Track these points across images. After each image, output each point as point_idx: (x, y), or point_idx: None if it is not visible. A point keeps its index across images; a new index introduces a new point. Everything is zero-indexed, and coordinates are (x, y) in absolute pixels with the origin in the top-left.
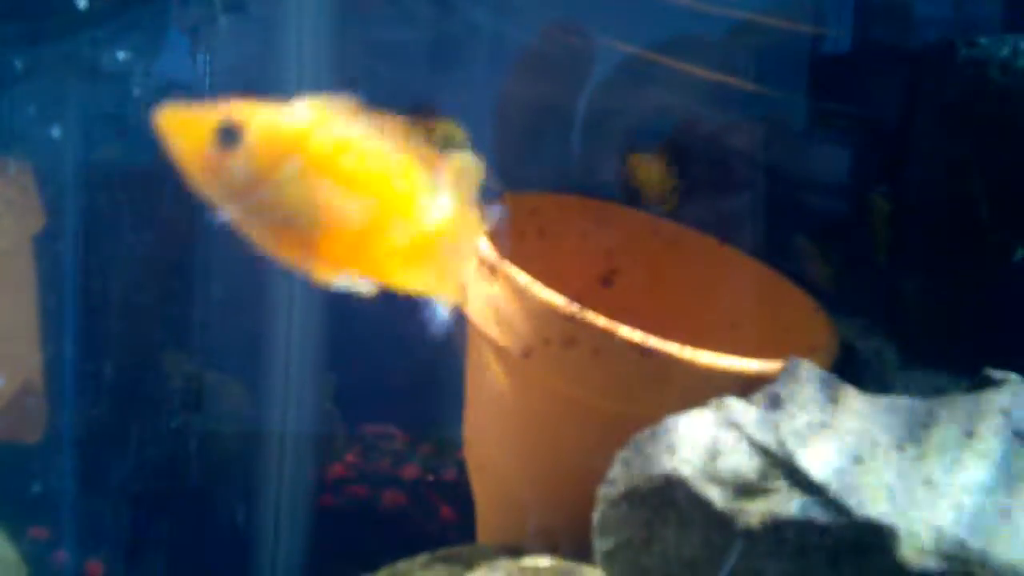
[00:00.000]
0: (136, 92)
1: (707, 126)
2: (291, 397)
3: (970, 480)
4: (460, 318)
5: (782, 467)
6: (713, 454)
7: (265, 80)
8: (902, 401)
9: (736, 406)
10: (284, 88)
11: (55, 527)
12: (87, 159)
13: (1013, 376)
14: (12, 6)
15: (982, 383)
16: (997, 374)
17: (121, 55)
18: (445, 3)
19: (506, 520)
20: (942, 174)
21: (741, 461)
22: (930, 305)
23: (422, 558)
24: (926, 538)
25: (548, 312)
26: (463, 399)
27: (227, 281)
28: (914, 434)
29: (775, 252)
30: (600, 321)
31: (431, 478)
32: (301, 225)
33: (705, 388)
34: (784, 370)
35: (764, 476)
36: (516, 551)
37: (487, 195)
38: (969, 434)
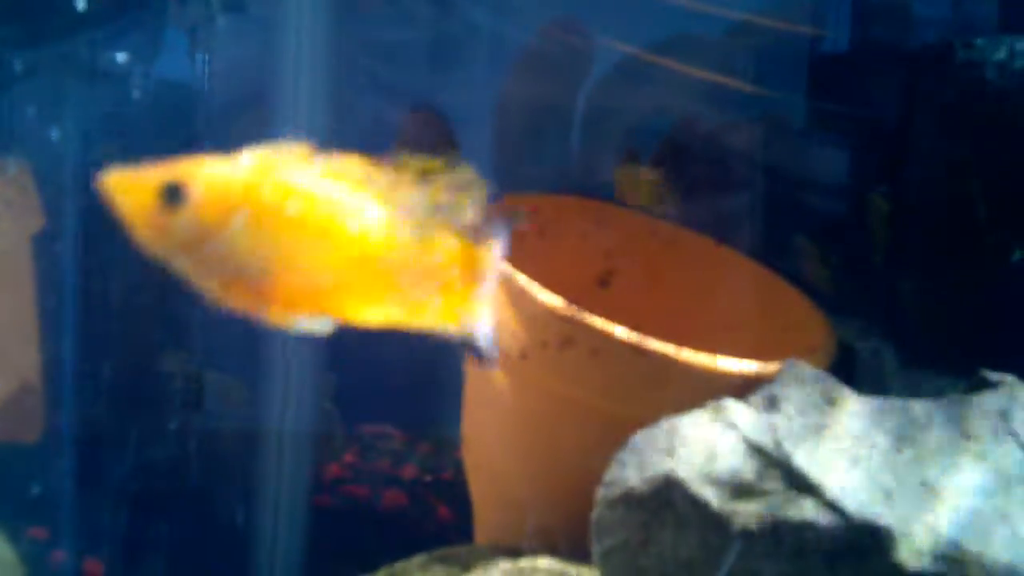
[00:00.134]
0: (135, 92)
1: (706, 126)
2: (290, 397)
3: (967, 482)
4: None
5: (779, 468)
6: (710, 455)
7: (264, 80)
8: (899, 403)
9: (733, 407)
10: (283, 88)
11: (53, 527)
12: (86, 159)
13: (1010, 378)
14: (11, 7)
15: (979, 385)
16: (994, 376)
17: (120, 56)
18: (444, 3)
19: (504, 520)
20: (940, 175)
21: (738, 462)
22: (928, 306)
23: (420, 558)
24: (923, 540)
25: (546, 313)
26: (461, 399)
27: None
28: (911, 436)
29: (773, 252)
30: (598, 322)
31: (429, 478)
32: (252, 274)
33: (702, 389)
34: (782, 371)
35: (761, 477)
36: (514, 551)
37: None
38: (966, 436)
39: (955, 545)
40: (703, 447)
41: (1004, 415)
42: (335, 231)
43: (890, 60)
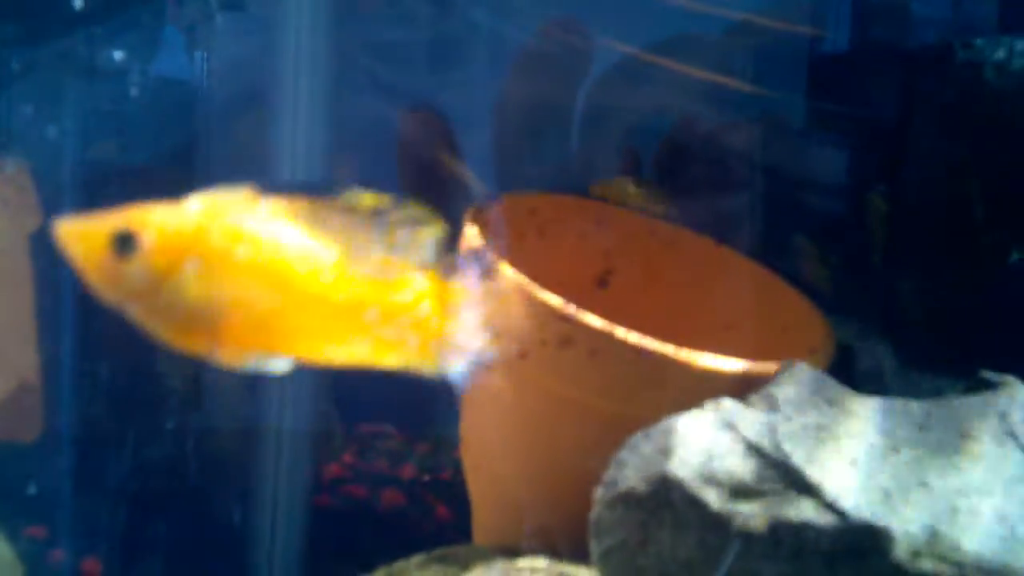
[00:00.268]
0: (133, 91)
1: (705, 126)
2: (288, 397)
3: (966, 482)
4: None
5: (778, 469)
6: (709, 456)
7: (263, 79)
8: (898, 403)
9: (732, 408)
10: (282, 87)
11: (52, 526)
12: (84, 157)
13: (1009, 378)
14: (9, 5)
15: (978, 385)
16: (993, 376)
17: (118, 54)
18: (444, 3)
19: (502, 520)
20: (939, 175)
21: (737, 463)
22: (927, 306)
23: (418, 558)
24: (922, 540)
25: (545, 313)
26: (460, 399)
27: None
28: (910, 436)
29: (772, 253)
30: (597, 322)
31: (428, 478)
32: (203, 318)
33: (701, 389)
34: (781, 372)
35: (760, 478)
36: (512, 551)
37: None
38: (965, 437)
39: (954, 546)
40: (702, 447)
41: (1003, 416)
42: (284, 273)
43: (889, 60)
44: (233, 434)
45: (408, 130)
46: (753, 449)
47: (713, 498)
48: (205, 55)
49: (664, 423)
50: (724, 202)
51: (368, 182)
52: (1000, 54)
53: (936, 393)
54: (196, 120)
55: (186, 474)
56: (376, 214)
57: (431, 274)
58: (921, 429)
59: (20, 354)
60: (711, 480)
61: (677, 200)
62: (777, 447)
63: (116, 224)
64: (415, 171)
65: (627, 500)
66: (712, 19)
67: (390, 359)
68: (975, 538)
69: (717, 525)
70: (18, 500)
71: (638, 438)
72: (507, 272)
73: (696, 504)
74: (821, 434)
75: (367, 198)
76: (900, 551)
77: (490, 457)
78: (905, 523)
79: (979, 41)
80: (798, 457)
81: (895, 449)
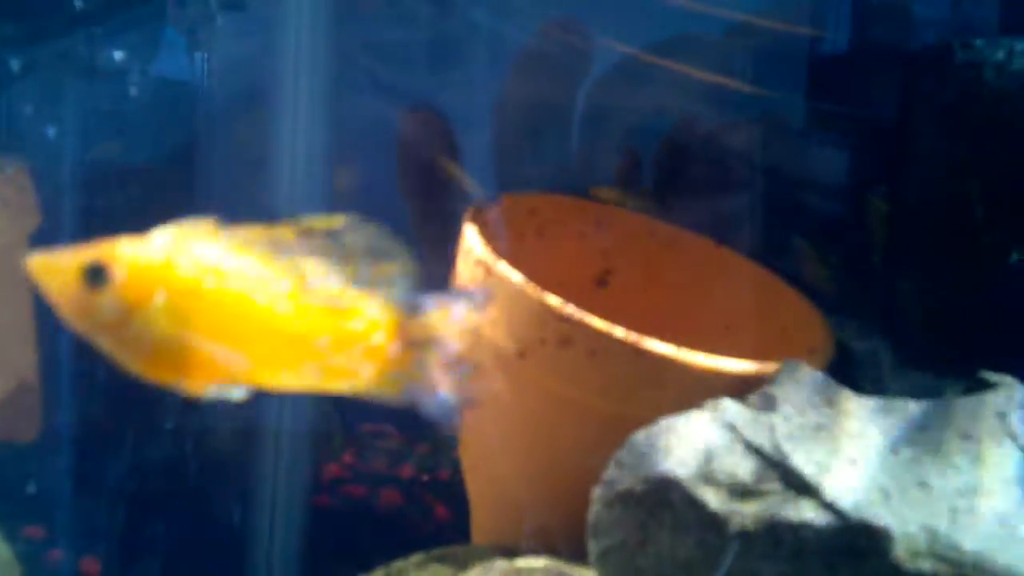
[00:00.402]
0: (133, 91)
1: (705, 126)
2: (288, 397)
3: (965, 483)
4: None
5: (777, 469)
6: (708, 456)
7: (263, 79)
8: (898, 403)
9: (732, 408)
10: (282, 87)
11: (50, 526)
12: (84, 158)
13: (1008, 379)
14: (9, 5)
15: (977, 386)
16: (992, 377)
17: (118, 54)
18: (444, 3)
19: (501, 520)
20: (939, 175)
21: (736, 463)
22: (926, 306)
23: (417, 557)
24: (921, 540)
25: (544, 313)
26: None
27: None
28: (910, 436)
29: (772, 253)
30: (596, 322)
31: (427, 478)
32: (170, 349)
33: (701, 389)
34: (780, 372)
35: (759, 478)
36: (511, 551)
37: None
38: (964, 437)
39: (953, 546)
40: (701, 447)
41: (1002, 416)
42: (243, 303)
43: (889, 61)
44: (232, 434)
45: (408, 130)
46: (752, 449)
47: (712, 498)
48: (205, 55)
49: (663, 423)
50: (724, 202)
51: (368, 182)
52: (1000, 55)
53: (935, 393)
54: (196, 120)
55: (185, 474)
56: (332, 238)
57: (389, 305)
58: (920, 429)
59: (19, 354)
60: (710, 480)
61: (676, 201)
62: (776, 447)
63: (87, 257)
64: (415, 171)
65: (626, 500)
66: (712, 19)
67: (343, 386)
68: (974, 538)
69: (716, 525)
70: (17, 500)
71: (637, 438)
72: (507, 271)
73: (695, 504)
74: (820, 434)
75: (324, 222)
76: (899, 551)
77: (489, 457)
78: (904, 523)
79: (979, 42)
80: (797, 457)
81: (894, 449)
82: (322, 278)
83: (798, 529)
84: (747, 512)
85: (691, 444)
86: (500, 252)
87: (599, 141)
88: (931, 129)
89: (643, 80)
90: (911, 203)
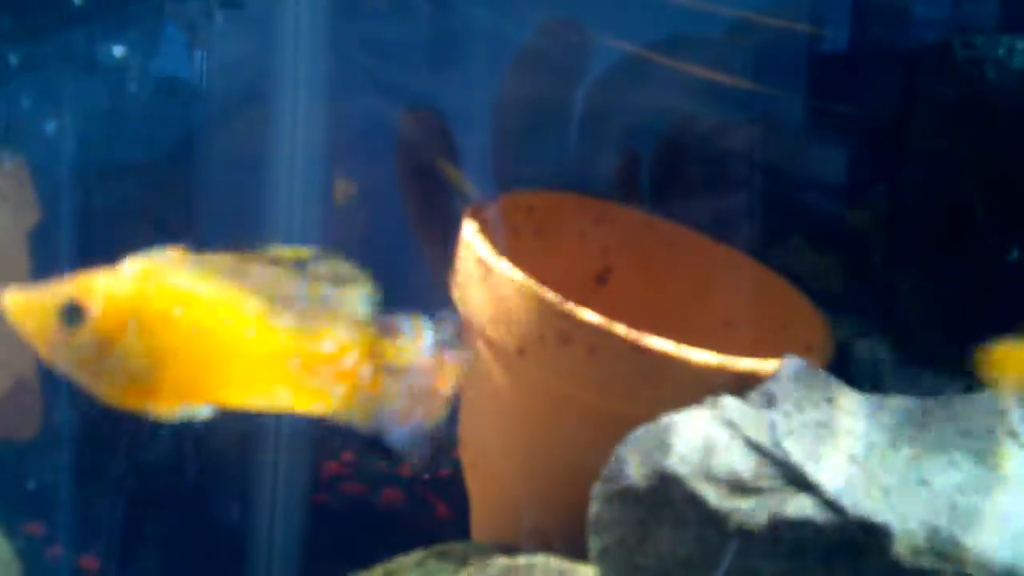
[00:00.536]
0: (132, 87)
1: (704, 125)
2: None
3: (966, 480)
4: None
5: (777, 466)
6: (708, 453)
7: (262, 77)
8: (897, 400)
9: (731, 405)
10: (281, 85)
11: (50, 523)
12: (83, 154)
13: None
14: (8, 0)
15: (978, 384)
16: None
17: (117, 50)
18: (443, 1)
19: (501, 518)
20: (939, 173)
21: (736, 460)
22: (926, 304)
23: (417, 555)
24: (921, 537)
25: (543, 310)
26: (458, 396)
27: None
28: (910, 434)
29: (771, 251)
30: (595, 319)
31: (427, 476)
32: (144, 378)
33: (700, 387)
34: (780, 369)
35: (759, 475)
36: (511, 548)
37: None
38: (965, 434)
39: (953, 543)
40: (701, 444)
41: (1002, 414)
42: (213, 328)
43: (889, 59)
44: (232, 431)
45: (407, 129)
46: (752, 446)
47: (712, 495)
48: (204, 52)
49: (663, 420)
50: (723, 201)
51: (367, 180)
52: (1001, 52)
53: (936, 391)
54: (195, 117)
55: (184, 471)
56: (299, 266)
57: (362, 328)
58: (920, 427)
59: (18, 351)
60: (710, 477)
61: (675, 200)
62: (776, 444)
63: (63, 296)
64: (414, 171)
65: (626, 497)
66: (711, 18)
67: (313, 407)
68: (974, 535)
69: (716, 522)
70: (16, 497)
71: (637, 435)
72: (507, 269)
73: (695, 501)
74: (820, 431)
75: (289, 252)
76: (899, 548)
77: (489, 455)
78: (904, 520)
79: (979, 39)
80: (797, 454)
81: (894, 447)
82: (290, 300)
83: (798, 526)
84: (747, 509)
85: (691, 441)
86: (499, 250)
87: (598, 140)
88: (931, 127)
89: (642, 79)
90: (911, 201)
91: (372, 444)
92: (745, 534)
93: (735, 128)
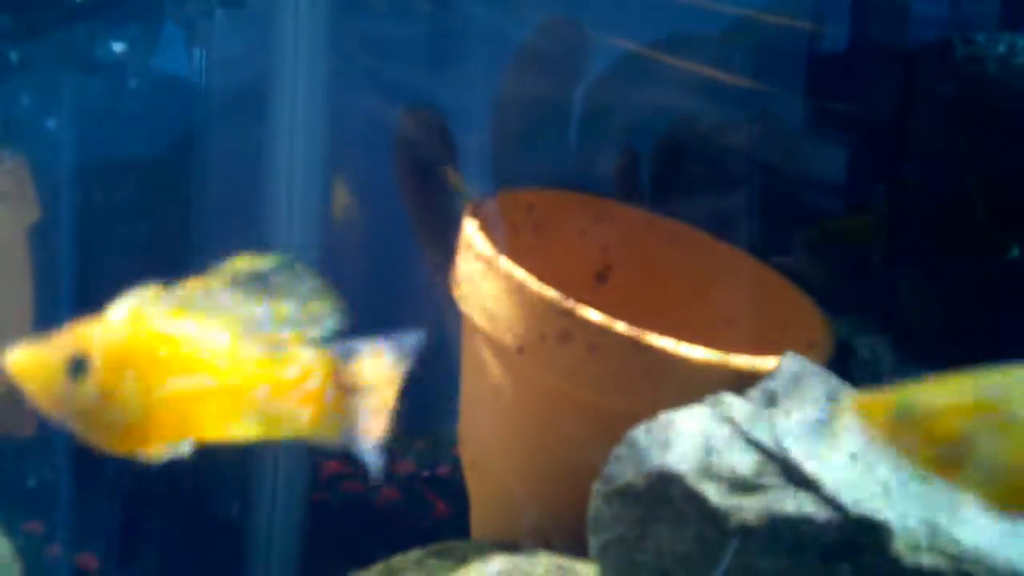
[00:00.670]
0: (132, 85)
1: (704, 123)
2: None
3: None
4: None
5: (777, 463)
6: (708, 450)
7: (261, 74)
8: None
9: (732, 402)
10: (280, 83)
11: (49, 521)
12: (82, 151)
13: None
14: None
15: None
16: None
17: (117, 48)
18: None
19: (501, 516)
20: (939, 171)
21: (736, 457)
22: (926, 302)
23: (416, 553)
24: (921, 535)
25: (543, 308)
26: (458, 394)
27: None
28: None
29: (771, 249)
30: (596, 317)
31: (426, 474)
32: (137, 423)
33: (700, 384)
34: (780, 366)
35: (759, 473)
36: (510, 546)
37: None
38: None
39: (954, 540)
40: (701, 442)
41: None
42: (193, 366)
43: (889, 57)
44: None
45: (407, 128)
46: (752, 443)
47: (712, 492)
48: (204, 50)
49: (663, 417)
50: (723, 200)
51: (366, 178)
52: (1001, 49)
53: None
54: (194, 114)
55: (183, 469)
56: (260, 280)
57: (322, 351)
58: None
59: None
60: (710, 475)
61: (674, 198)
62: (776, 441)
63: (68, 350)
64: (414, 169)
65: (625, 495)
66: (711, 17)
67: (284, 432)
68: (975, 533)
69: (716, 520)
70: (16, 495)
71: (637, 432)
72: (508, 266)
73: (695, 499)
74: (820, 428)
75: (250, 262)
76: (899, 545)
77: (488, 453)
78: (904, 517)
79: (980, 36)
80: (797, 451)
81: None
82: (256, 326)
83: (798, 523)
84: (747, 506)
85: (691, 439)
86: (499, 248)
87: (598, 139)
88: (931, 125)
89: (642, 78)
90: (911, 199)
91: (403, 412)
92: (745, 532)
93: (735, 127)
